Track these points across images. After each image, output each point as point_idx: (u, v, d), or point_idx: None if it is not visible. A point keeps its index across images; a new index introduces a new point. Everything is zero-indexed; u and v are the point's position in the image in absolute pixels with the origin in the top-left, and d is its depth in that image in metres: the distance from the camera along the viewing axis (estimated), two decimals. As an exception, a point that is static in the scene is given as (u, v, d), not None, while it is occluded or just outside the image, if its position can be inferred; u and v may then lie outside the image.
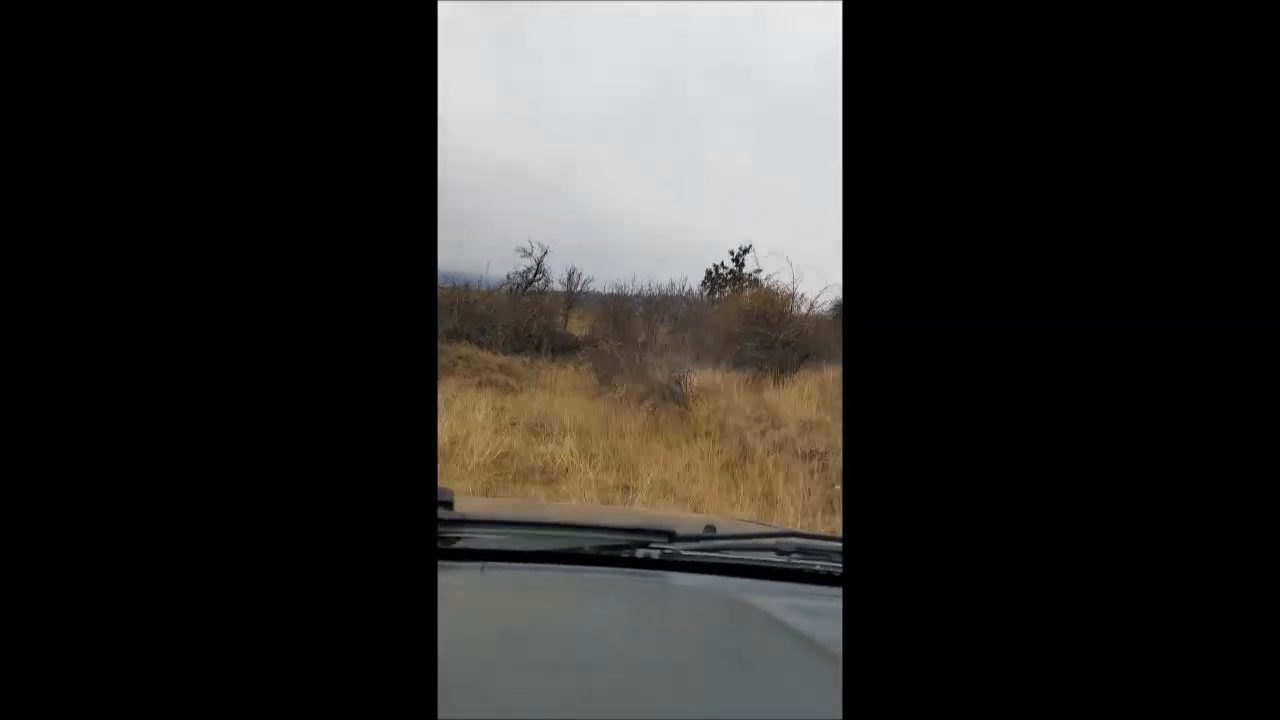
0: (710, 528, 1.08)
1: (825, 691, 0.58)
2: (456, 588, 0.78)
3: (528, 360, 10.09)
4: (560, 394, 7.66)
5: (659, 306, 11.67)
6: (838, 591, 0.87)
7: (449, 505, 0.99)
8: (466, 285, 12.61)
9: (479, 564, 0.88)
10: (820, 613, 0.79)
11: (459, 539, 0.92)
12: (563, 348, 10.79)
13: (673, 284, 12.89)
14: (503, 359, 9.53)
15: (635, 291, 12.47)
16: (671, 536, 0.97)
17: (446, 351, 9.34)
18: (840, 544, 1.00)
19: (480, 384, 7.90)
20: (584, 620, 0.78)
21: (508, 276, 13.30)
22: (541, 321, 11.43)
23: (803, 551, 0.98)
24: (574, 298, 13.14)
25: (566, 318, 12.66)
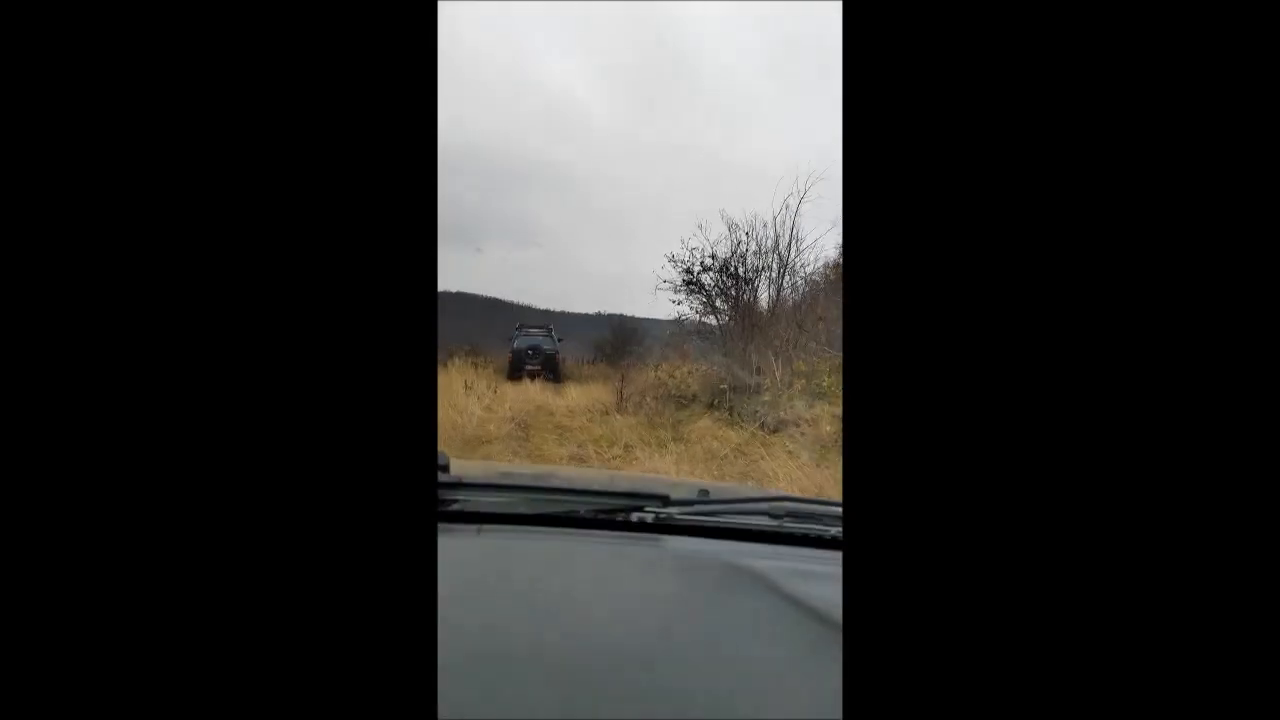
0: (704, 492, 1.08)
1: (819, 652, 0.59)
2: (453, 550, 0.78)
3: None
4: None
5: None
6: (829, 554, 0.87)
7: (445, 468, 1.00)
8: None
9: (475, 526, 0.89)
10: (812, 575, 0.78)
11: (455, 502, 0.93)
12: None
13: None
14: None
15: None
16: (666, 500, 0.98)
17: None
18: (831, 507, 0.99)
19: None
20: (580, 582, 0.78)
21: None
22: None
23: (794, 515, 0.98)
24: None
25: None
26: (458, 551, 0.80)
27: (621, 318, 16.63)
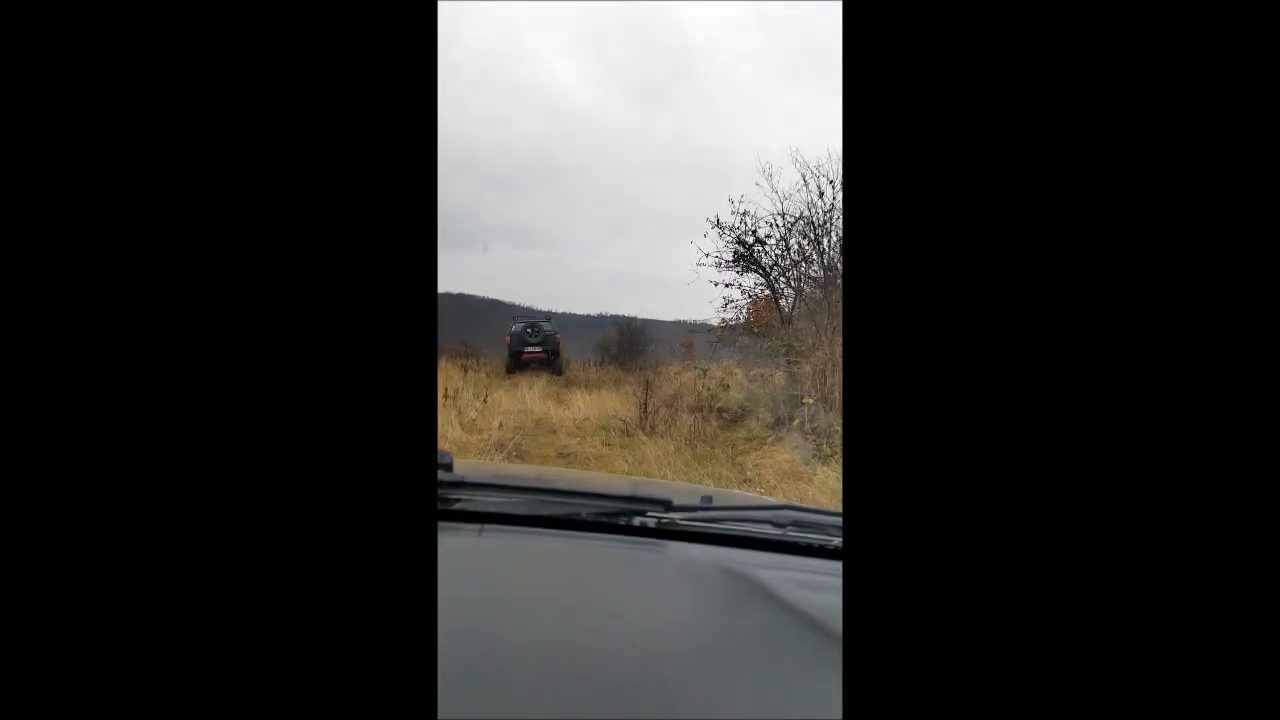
0: (707, 498, 1.14)
1: (819, 664, 0.65)
2: (454, 549, 0.84)
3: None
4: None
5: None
6: (833, 565, 0.94)
7: (448, 467, 1.07)
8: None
9: (477, 526, 0.96)
10: (815, 586, 0.84)
11: (458, 500, 1.00)
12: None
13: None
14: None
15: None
16: (668, 505, 1.03)
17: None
18: (836, 518, 1.06)
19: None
20: (581, 585, 0.85)
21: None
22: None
23: (798, 525, 1.02)
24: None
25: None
26: (459, 551, 0.84)
27: (628, 318, 17.07)
